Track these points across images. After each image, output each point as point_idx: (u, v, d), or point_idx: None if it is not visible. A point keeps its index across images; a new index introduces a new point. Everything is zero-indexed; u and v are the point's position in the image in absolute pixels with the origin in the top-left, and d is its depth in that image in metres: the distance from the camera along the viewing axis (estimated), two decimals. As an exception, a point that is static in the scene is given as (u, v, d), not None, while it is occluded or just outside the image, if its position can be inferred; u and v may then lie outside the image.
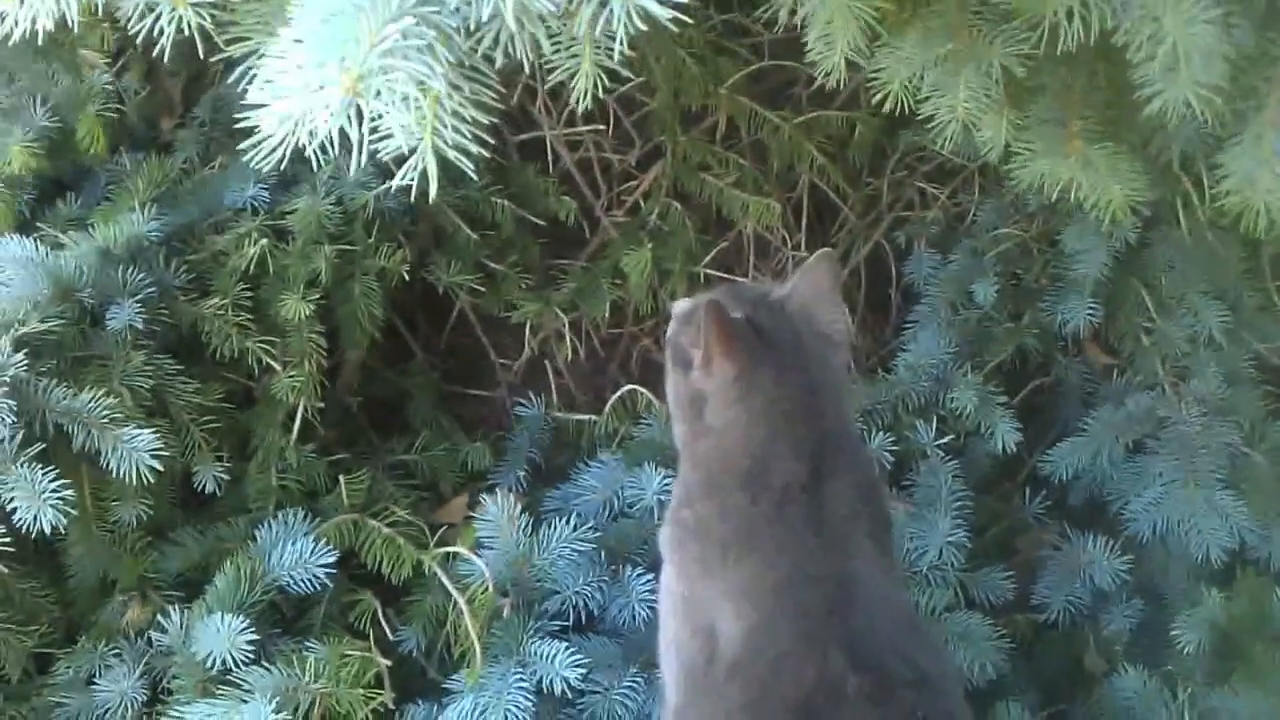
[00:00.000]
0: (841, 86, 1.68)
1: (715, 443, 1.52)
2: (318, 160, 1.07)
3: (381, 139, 1.05)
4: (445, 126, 1.04)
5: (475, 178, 2.22)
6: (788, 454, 1.48)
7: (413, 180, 1.05)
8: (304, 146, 1.06)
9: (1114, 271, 2.30)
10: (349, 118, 1.01)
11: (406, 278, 2.23)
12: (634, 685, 1.80)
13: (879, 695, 1.33)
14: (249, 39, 1.29)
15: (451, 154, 1.07)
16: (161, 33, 1.27)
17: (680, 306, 1.62)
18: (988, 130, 1.62)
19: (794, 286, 1.62)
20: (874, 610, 1.42)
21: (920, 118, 1.58)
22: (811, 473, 1.47)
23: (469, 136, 1.08)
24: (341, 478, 2.06)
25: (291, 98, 1.00)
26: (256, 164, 1.06)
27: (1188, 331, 2.28)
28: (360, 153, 1.06)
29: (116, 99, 2.33)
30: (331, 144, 1.07)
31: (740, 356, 1.48)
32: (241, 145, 1.06)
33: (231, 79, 2.15)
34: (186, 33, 1.27)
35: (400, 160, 1.10)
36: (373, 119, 1.05)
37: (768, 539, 1.45)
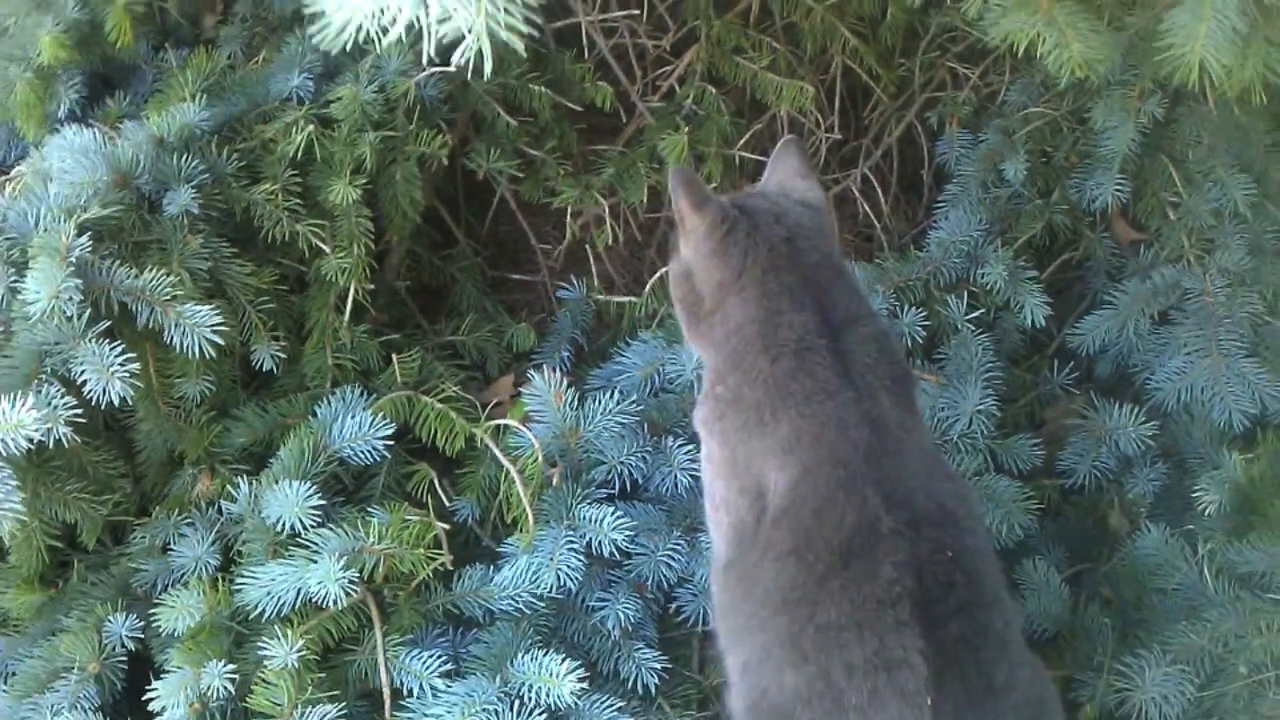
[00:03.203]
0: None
1: (721, 319, 1.61)
2: (378, 42, 1.13)
3: (442, 21, 1.10)
4: (499, 9, 1.10)
5: (518, 63, 2.31)
6: (788, 305, 1.56)
7: (467, 63, 1.11)
8: (367, 35, 1.12)
9: (1141, 147, 2.32)
10: (422, 4, 1.06)
11: (447, 163, 2.29)
12: (677, 547, 1.91)
13: (910, 532, 1.43)
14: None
15: (504, 34, 1.12)
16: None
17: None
18: None
19: (767, 175, 1.75)
20: (903, 452, 1.51)
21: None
22: (822, 321, 1.56)
23: (520, 19, 1.14)
24: (394, 356, 2.14)
25: None
26: (324, 48, 1.12)
27: (1213, 205, 2.31)
28: (428, 38, 1.12)
29: (158, -4, 2.36)
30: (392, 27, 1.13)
31: (710, 208, 1.60)
32: (309, 29, 1.13)
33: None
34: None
35: (446, 43, 1.15)
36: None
37: (797, 392, 1.52)
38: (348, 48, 1.17)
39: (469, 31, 1.15)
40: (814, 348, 1.54)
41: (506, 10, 1.16)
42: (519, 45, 1.15)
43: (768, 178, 1.75)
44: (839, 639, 1.39)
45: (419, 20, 1.13)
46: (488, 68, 1.13)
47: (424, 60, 2.23)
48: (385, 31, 1.13)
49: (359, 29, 1.15)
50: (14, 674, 1.80)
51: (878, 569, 1.41)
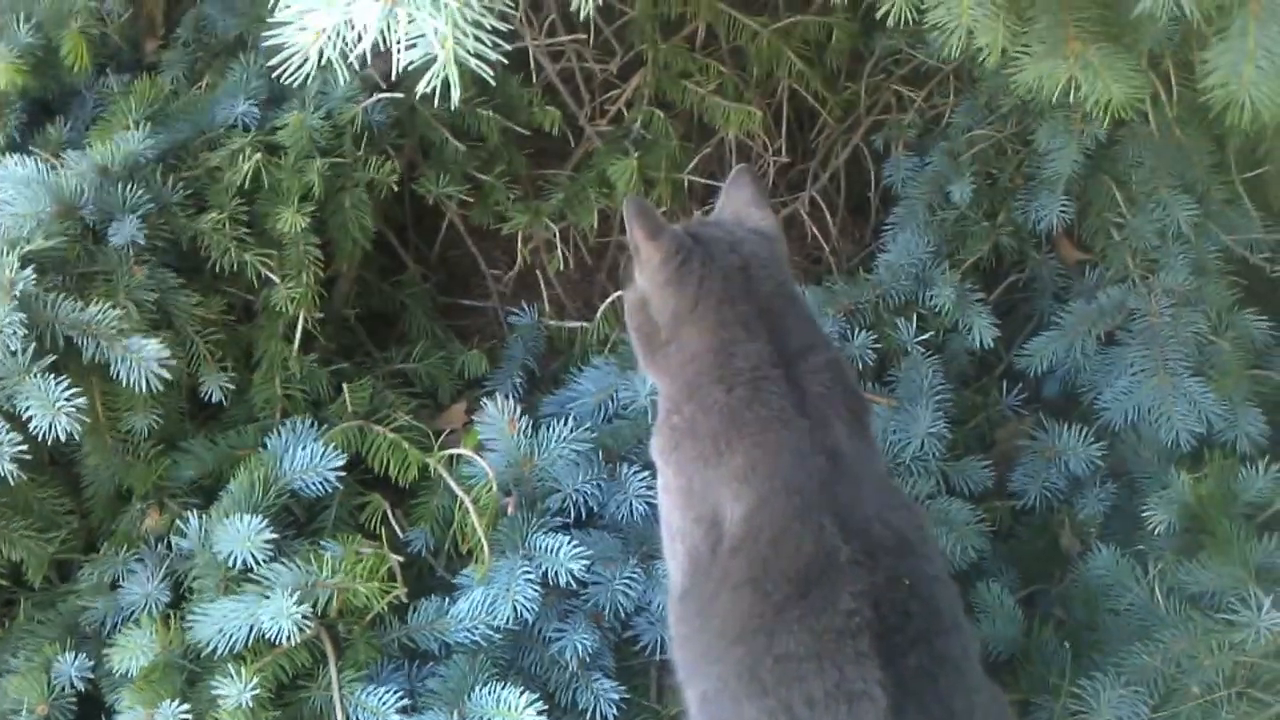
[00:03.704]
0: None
1: (676, 348, 1.62)
2: (340, 73, 1.13)
3: (409, 43, 1.10)
4: (466, 35, 1.09)
5: (463, 89, 2.30)
6: (742, 334, 1.57)
7: (433, 88, 1.10)
8: (328, 59, 1.12)
9: (1085, 169, 2.35)
10: (392, 23, 1.06)
11: (396, 189, 2.28)
12: (634, 575, 1.90)
13: (868, 561, 1.43)
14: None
15: (473, 62, 1.12)
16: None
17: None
18: (983, 37, 1.66)
19: (721, 203, 1.76)
20: (859, 481, 1.53)
21: (904, 25, 1.64)
22: (776, 350, 1.57)
23: (488, 44, 1.14)
24: (345, 386, 2.12)
25: (321, 11, 1.05)
26: (284, 79, 1.11)
27: (1157, 225, 2.33)
28: (396, 60, 1.11)
29: (99, 20, 2.34)
30: (348, 53, 1.13)
31: (665, 238, 1.61)
32: (269, 60, 1.12)
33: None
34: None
35: (404, 69, 1.15)
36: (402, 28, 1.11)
37: (752, 421, 1.53)
38: (309, 80, 1.17)
39: (440, 47, 1.14)
40: (769, 377, 1.55)
41: (475, 37, 1.16)
42: (488, 71, 1.15)
43: (721, 206, 1.76)
44: (798, 670, 1.39)
45: (384, 39, 1.13)
46: (455, 94, 1.13)
47: (366, 87, 2.23)
48: (346, 56, 1.12)
49: (320, 55, 1.14)
50: (-40, 717, 1.77)
51: (837, 599, 1.41)
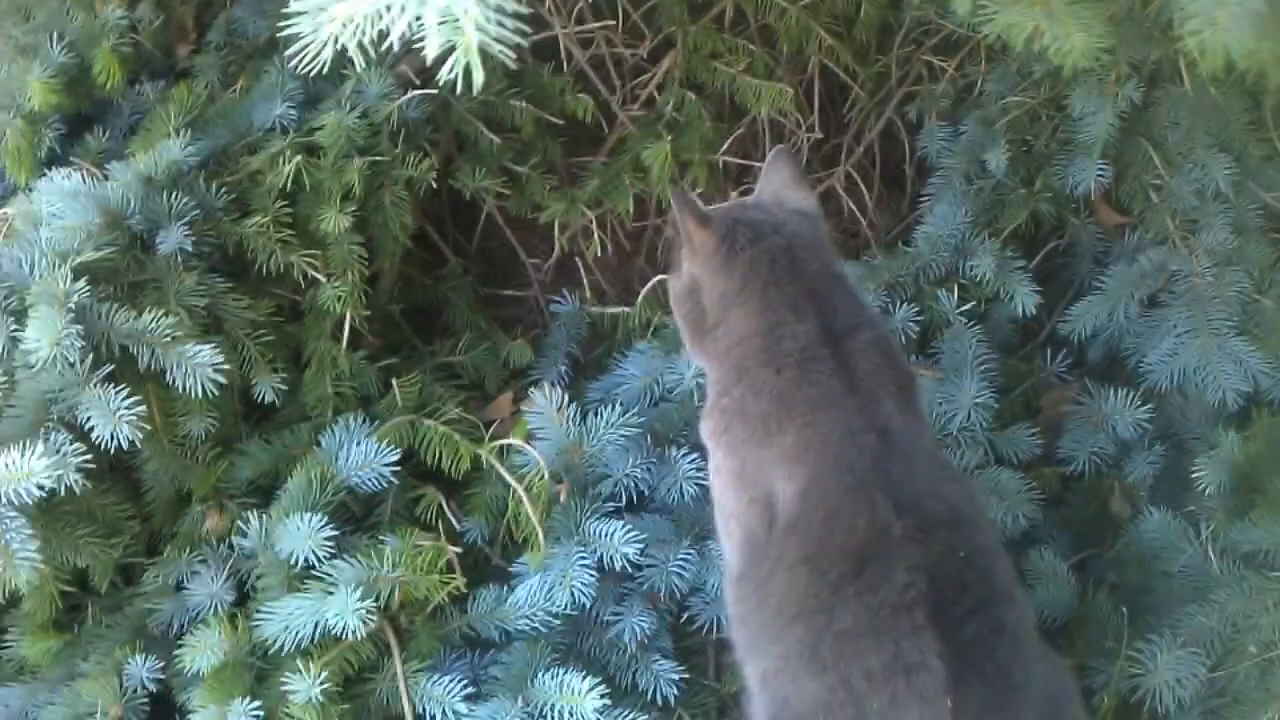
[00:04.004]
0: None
1: (724, 332, 1.63)
2: (356, 63, 1.14)
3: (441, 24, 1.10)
4: (489, 21, 1.10)
5: (496, 80, 2.32)
6: (789, 316, 1.59)
7: (455, 77, 1.11)
8: (345, 51, 1.12)
9: (1121, 132, 2.33)
10: (425, 7, 1.07)
11: (435, 185, 2.29)
12: (688, 556, 1.92)
13: (921, 536, 1.45)
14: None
15: (495, 47, 1.13)
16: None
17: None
18: None
19: (761, 186, 1.77)
20: (910, 456, 1.54)
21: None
22: (824, 330, 1.58)
23: (510, 29, 1.14)
24: (394, 381, 2.15)
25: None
26: (303, 69, 1.13)
27: (1195, 186, 2.32)
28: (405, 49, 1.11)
29: (131, 30, 2.36)
30: (365, 47, 1.13)
31: (715, 224, 1.64)
32: (289, 50, 1.13)
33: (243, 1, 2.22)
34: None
35: (430, 64, 1.16)
36: (417, 20, 1.12)
37: (802, 402, 1.55)
38: (324, 70, 1.18)
39: (463, 32, 1.15)
40: (817, 357, 1.56)
41: (498, 23, 1.16)
42: (510, 57, 1.15)
43: (761, 188, 1.77)
44: (856, 646, 1.42)
45: (414, 25, 1.13)
46: (479, 79, 1.13)
47: (401, 83, 2.25)
48: (364, 46, 1.13)
49: (338, 44, 1.15)
50: (36, 721, 1.81)
51: (891, 574, 1.43)
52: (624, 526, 1.88)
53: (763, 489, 1.56)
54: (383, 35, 1.12)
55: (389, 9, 1.11)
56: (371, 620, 1.73)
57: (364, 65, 1.17)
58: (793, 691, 1.47)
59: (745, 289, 1.61)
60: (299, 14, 1.15)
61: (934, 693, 1.38)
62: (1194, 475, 2.01)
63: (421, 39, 1.11)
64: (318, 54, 1.16)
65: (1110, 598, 1.95)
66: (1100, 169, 2.34)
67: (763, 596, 1.54)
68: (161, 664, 1.80)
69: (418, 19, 1.11)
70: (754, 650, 1.56)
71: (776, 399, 1.56)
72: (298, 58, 1.16)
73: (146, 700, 1.79)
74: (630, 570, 1.89)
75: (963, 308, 2.25)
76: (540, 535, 1.89)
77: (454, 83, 1.13)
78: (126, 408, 1.74)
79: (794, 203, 1.71)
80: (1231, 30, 1.48)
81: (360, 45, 1.14)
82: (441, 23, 1.12)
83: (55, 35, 2.29)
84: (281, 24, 1.17)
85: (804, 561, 1.49)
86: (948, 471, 1.63)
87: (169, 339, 1.83)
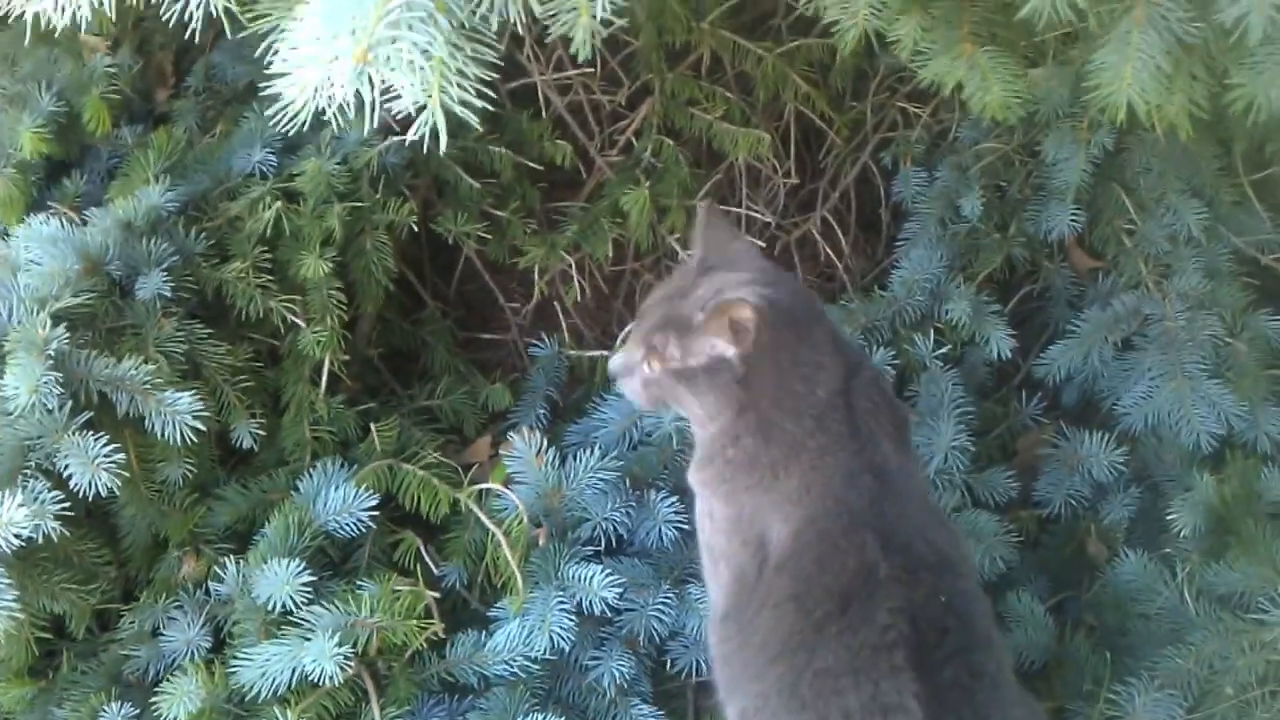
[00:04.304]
0: (820, 14, 1.76)
1: (752, 385, 1.57)
2: (336, 122, 1.17)
3: (393, 99, 1.14)
4: (450, 84, 1.13)
5: (475, 128, 2.34)
6: (824, 360, 1.57)
7: (423, 135, 1.14)
8: (323, 110, 1.16)
9: (1094, 177, 2.37)
10: (362, 83, 1.10)
11: (415, 229, 2.30)
12: (667, 600, 1.92)
13: (907, 577, 1.45)
14: (270, 15, 1.38)
15: (458, 109, 1.16)
16: (191, 17, 1.36)
17: (616, 362, 1.69)
18: (900, 29, 1.72)
19: (703, 244, 1.70)
20: (903, 497, 1.55)
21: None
22: (846, 373, 1.57)
23: (472, 92, 1.17)
24: (372, 426, 2.15)
25: (310, 68, 1.09)
26: (280, 128, 1.15)
27: (1167, 231, 2.35)
28: (373, 114, 1.15)
29: (114, 80, 2.37)
30: (347, 107, 1.17)
31: (754, 305, 1.54)
32: (268, 110, 1.16)
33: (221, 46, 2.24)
34: (215, 14, 1.36)
35: (403, 116, 1.19)
36: (383, 83, 1.15)
37: (812, 448, 1.54)
38: (305, 127, 1.20)
39: (419, 109, 1.18)
40: (835, 405, 1.56)
41: (459, 85, 1.19)
42: (473, 119, 1.18)
43: (706, 247, 1.69)
44: (835, 685, 1.42)
45: (360, 96, 1.16)
46: (444, 141, 1.16)
47: (381, 129, 2.26)
48: (324, 111, 1.16)
49: (317, 106, 1.18)
50: (10, 770, 1.80)
51: (874, 615, 1.43)
52: (603, 570, 1.87)
53: (757, 531, 1.56)
54: (359, 97, 1.15)
55: (331, 80, 1.14)
56: (349, 666, 1.72)
57: (342, 123, 1.18)
58: None
59: (779, 349, 1.57)
60: (277, 76, 1.18)
61: None
62: (1169, 517, 2.04)
63: (380, 98, 1.15)
64: (296, 115, 1.19)
65: (1088, 640, 1.96)
66: (1073, 214, 2.37)
67: (746, 636, 1.54)
68: (137, 711, 1.79)
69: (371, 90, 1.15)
70: (734, 690, 1.56)
71: (788, 446, 1.55)
72: (277, 116, 1.19)
73: (122, 748, 1.78)
74: (609, 614, 1.89)
75: (939, 351, 2.27)
76: (519, 580, 1.89)
77: (412, 136, 1.16)
78: (105, 455, 1.73)
79: (753, 254, 1.71)
80: (1136, 84, 1.52)
81: (341, 107, 1.17)
82: (396, 96, 1.16)
83: (44, 84, 2.30)
84: (261, 73, 1.20)
85: (791, 599, 1.49)
86: (935, 515, 1.64)
87: (148, 386, 1.83)
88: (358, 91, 1.16)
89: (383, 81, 1.16)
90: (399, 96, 1.18)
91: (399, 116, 1.20)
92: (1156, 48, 1.51)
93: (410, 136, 1.18)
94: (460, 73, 1.18)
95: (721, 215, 1.79)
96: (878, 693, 1.39)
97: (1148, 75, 1.53)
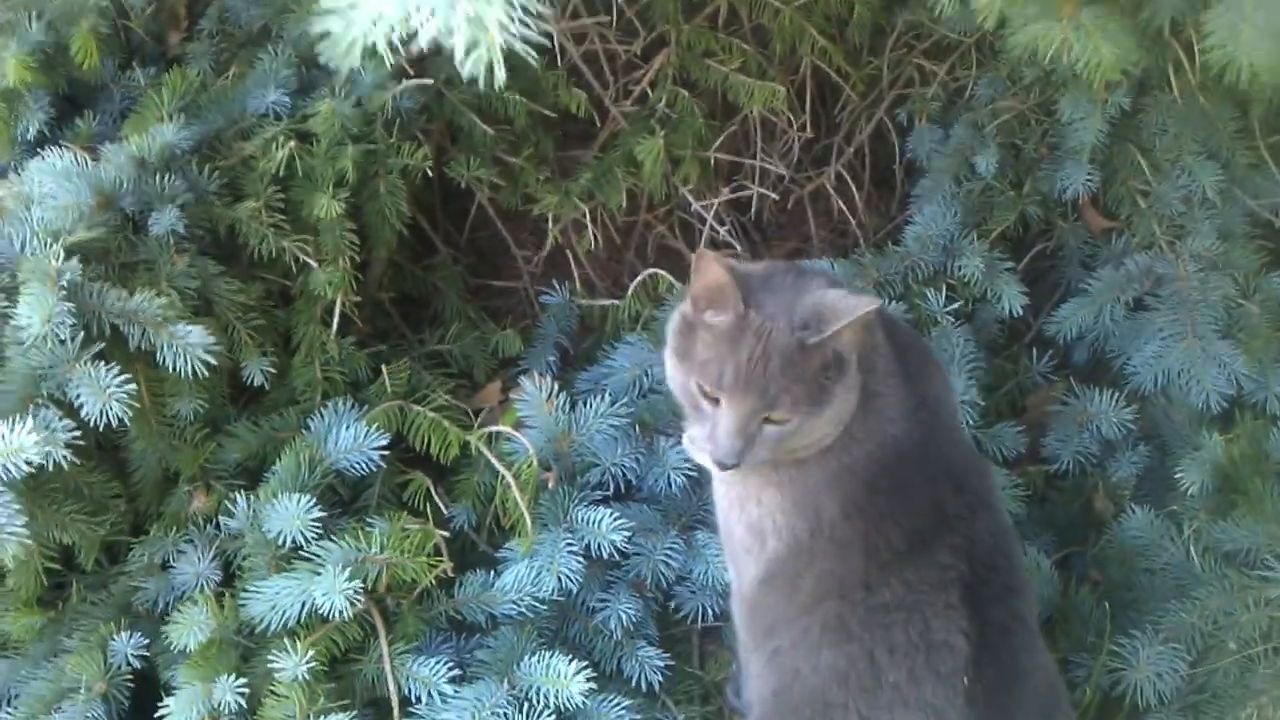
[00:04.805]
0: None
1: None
2: (387, 61, 1.15)
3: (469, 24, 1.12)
4: (513, 20, 1.12)
5: (534, 64, 2.33)
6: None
7: (476, 73, 1.13)
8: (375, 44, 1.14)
9: (1109, 138, 2.36)
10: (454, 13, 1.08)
11: (429, 174, 2.30)
12: (675, 546, 1.94)
13: (968, 515, 1.49)
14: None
15: (519, 45, 1.14)
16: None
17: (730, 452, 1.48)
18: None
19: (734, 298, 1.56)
20: (950, 431, 1.58)
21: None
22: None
23: (533, 28, 1.16)
24: (383, 368, 2.15)
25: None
26: (335, 62, 1.14)
27: (1182, 192, 2.34)
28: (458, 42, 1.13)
29: (120, 13, 2.37)
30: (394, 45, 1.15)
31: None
32: (320, 45, 1.14)
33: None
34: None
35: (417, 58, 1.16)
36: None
37: (882, 392, 1.52)
38: (349, 64, 1.19)
39: (487, 32, 1.16)
40: (881, 345, 1.54)
41: (522, 21, 1.18)
42: (533, 55, 1.17)
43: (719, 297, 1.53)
44: (885, 619, 1.44)
45: (444, 30, 1.14)
46: (500, 77, 1.15)
47: (398, 72, 2.25)
48: (406, 42, 1.14)
49: (369, 42, 1.17)
50: (18, 696, 1.81)
51: (935, 552, 1.45)
52: (612, 514, 1.88)
53: (813, 498, 1.53)
54: (411, 36, 1.13)
55: (419, 10, 1.12)
56: (358, 601, 1.73)
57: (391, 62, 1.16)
58: (806, 662, 1.48)
59: None
60: (329, 12, 1.16)
61: (951, 671, 1.41)
62: (1177, 476, 2.04)
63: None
64: (347, 52, 1.17)
65: (1092, 594, 1.97)
66: (1088, 174, 2.36)
67: (792, 588, 1.53)
68: (147, 641, 1.80)
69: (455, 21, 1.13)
70: (767, 635, 1.56)
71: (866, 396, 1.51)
72: (326, 53, 1.17)
73: (131, 677, 1.79)
74: (617, 558, 1.90)
75: (950, 307, 2.26)
76: (528, 521, 1.89)
77: (467, 71, 1.14)
78: (116, 385, 1.73)
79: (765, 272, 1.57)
80: (1254, 45, 1.50)
81: (389, 44, 1.15)
82: (470, 23, 1.14)
83: (34, 14, 2.27)
84: (277, 14, 1.18)
85: (860, 540, 1.48)
86: (972, 449, 1.65)
87: (160, 319, 1.83)
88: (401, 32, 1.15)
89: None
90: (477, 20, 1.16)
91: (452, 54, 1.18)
92: (1274, 6, 1.49)
93: (467, 71, 1.15)
94: (524, 8, 1.17)
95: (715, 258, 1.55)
96: (928, 630, 1.42)
97: (1269, 35, 1.50)
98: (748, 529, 1.58)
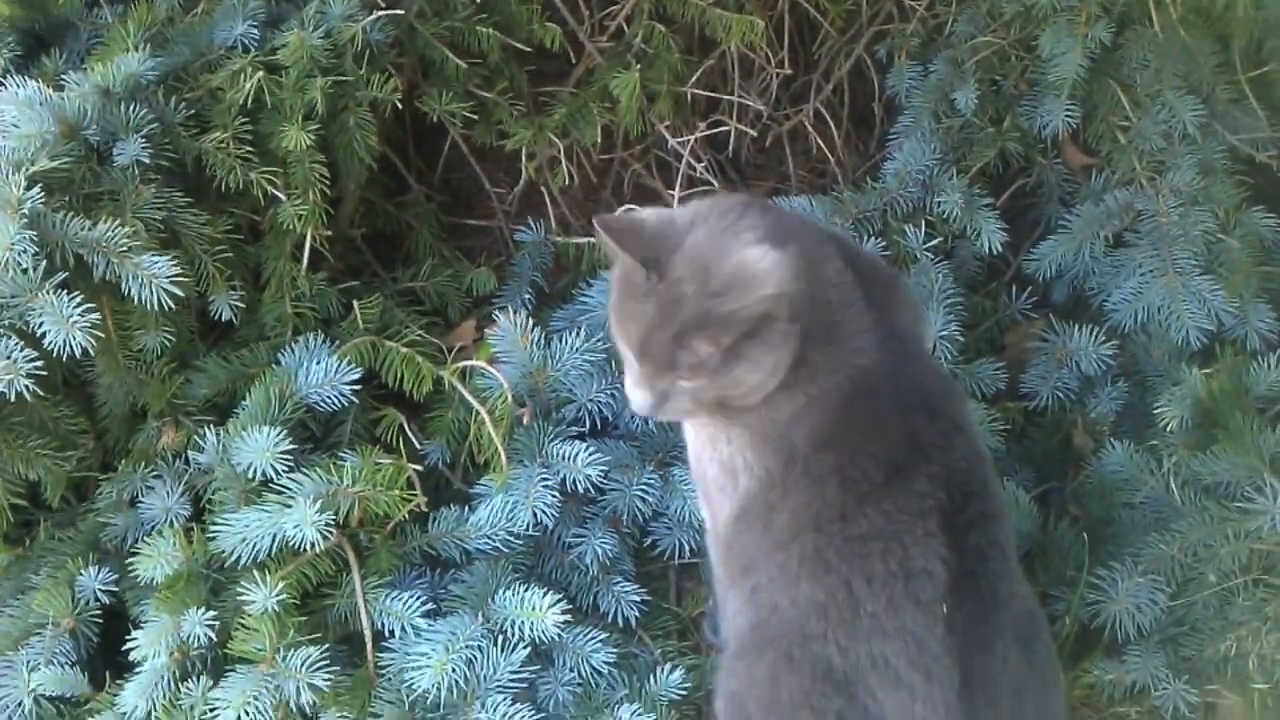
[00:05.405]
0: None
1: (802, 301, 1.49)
2: None
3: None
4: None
5: (462, 6, 2.28)
6: (825, 244, 1.54)
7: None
8: None
9: (1089, 73, 2.33)
10: None
11: (400, 107, 2.25)
12: (650, 481, 1.92)
13: (943, 442, 1.46)
14: None
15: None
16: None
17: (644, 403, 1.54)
18: None
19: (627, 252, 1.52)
20: (920, 359, 1.56)
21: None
22: (833, 239, 1.55)
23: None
24: (355, 303, 2.12)
25: None
26: None
27: (1163, 127, 2.32)
28: None
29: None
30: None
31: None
32: None
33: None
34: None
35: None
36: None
37: (845, 323, 1.50)
38: None
39: None
40: (845, 275, 1.52)
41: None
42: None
43: (630, 249, 1.50)
44: (863, 549, 1.42)
45: None
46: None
47: (368, 4, 2.21)
48: None
49: None
50: (-14, 632, 1.78)
51: (914, 481, 1.43)
52: (587, 449, 1.86)
53: (783, 432, 1.50)
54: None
55: None
56: (330, 534, 1.71)
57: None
58: (784, 596, 1.46)
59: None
60: None
61: (930, 598, 1.39)
62: (1156, 411, 2.02)
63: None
64: None
65: (1071, 529, 1.96)
66: (1068, 109, 2.34)
67: (767, 522, 1.50)
68: (115, 577, 1.78)
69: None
70: (745, 571, 1.53)
71: (826, 330, 1.49)
72: None
73: (99, 613, 1.77)
74: (593, 493, 1.88)
75: (929, 243, 2.24)
76: (503, 456, 1.87)
77: (422, 7, 1.10)
78: (79, 314, 1.70)
79: (671, 217, 1.54)
80: None
81: None
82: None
83: (10, -55, 2.23)
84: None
85: (835, 473, 1.45)
86: (945, 376, 1.63)
87: (125, 249, 1.80)
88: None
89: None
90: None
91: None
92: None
93: None
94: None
95: (614, 215, 1.60)
96: (906, 558, 1.40)
97: None
98: (720, 467, 1.57)
